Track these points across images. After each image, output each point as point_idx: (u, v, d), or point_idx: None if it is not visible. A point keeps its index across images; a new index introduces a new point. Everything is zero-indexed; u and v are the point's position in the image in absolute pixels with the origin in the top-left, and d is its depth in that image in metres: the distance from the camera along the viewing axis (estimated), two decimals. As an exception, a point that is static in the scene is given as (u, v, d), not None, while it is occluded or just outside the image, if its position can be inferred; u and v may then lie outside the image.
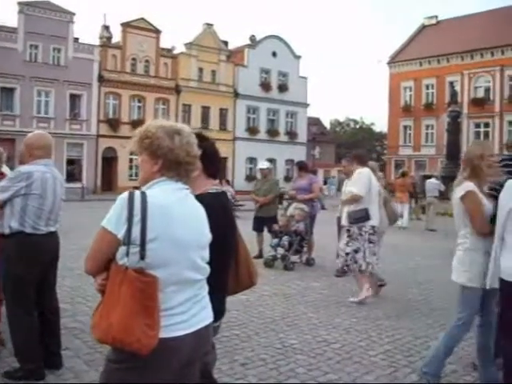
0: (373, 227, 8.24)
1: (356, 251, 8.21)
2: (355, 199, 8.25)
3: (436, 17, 61.75)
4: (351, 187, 8.45)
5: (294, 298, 8.44)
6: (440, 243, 15.63)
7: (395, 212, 9.87)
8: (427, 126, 55.77)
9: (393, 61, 60.04)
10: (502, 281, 4.12)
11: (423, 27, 61.81)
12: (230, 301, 7.25)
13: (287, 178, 49.96)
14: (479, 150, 4.89)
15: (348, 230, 8.36)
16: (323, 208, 26.33)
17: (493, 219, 4.48)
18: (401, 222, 21.71)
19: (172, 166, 2.53)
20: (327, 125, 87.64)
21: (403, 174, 23.29)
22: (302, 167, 11.99)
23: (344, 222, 8.49)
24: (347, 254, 8.29)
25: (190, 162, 2.58)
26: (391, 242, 16.74)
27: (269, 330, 6.66)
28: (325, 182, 51.52)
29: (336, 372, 5.33)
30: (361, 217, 8.17)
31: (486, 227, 4.63)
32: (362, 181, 8.26)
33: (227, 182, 29.40)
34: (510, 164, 5.45)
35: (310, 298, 8.46)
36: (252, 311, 7.58)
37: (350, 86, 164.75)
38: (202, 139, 2.97)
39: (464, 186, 4.71)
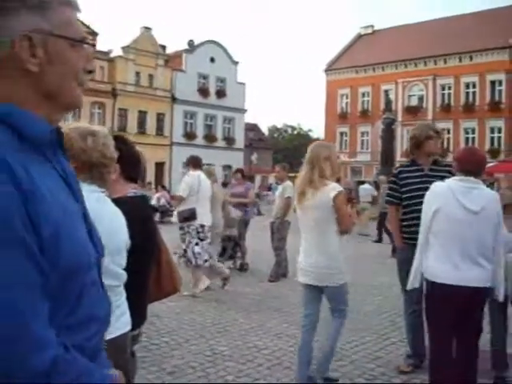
0: (202, 226, 8.85)
1: (186, 248, 8.84)
2: (179, 199, 9.07)
3: (372, 26, 62.95)
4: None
5: (225, 304, 8.38)
6: (371, 247, 15.94)
7: (230, 216, 10.68)
8: (363, 133, 56.79)
9: (330, 68, 60.85)
10: (426, 281, 4.18)
11: (359, 36, 62.91)
12: (160, 308, 7.20)
13: (224, 184, 49.80)
14: (326, 151, 4.93)
15: (181, 228, 9.03)
16: (259, 213, 26.55)
17: None
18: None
19: (85, 167, 2.44)
20: (265, 131, 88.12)
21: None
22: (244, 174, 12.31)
23: (176, 219, 9.26)
24: (185, 250, 8.94)
25: (105, 164, 2.50)
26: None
27: (199, 337, 6.58)
28: (269, 189, 51.59)
29: (265, 378, 5.31)
30: (188, 216, 8.81)
31: (352, 226, 4.97)
32: (186, 182, 8.99)
33: (163, 187, 29.19)
34: (406, 170, 5.64)
35: (242, 304, 8.42)
36: (183, 318, 7.48)
37: (287, 93, 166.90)
38: (120, 141, 2.89)
39: (334, 186, 4.77)
